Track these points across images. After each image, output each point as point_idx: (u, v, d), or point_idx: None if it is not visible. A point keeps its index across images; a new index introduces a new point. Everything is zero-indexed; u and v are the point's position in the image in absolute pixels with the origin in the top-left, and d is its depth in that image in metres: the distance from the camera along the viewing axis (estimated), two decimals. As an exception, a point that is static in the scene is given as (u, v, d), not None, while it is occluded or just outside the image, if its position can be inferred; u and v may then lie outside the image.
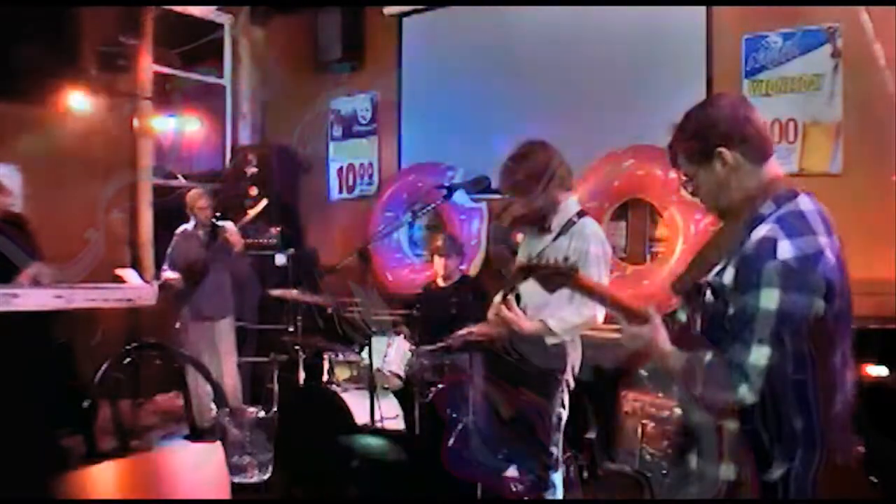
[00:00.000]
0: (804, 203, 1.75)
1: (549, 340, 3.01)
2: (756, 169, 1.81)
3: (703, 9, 4.88)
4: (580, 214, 3.13)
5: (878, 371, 3.37)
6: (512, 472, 4.00)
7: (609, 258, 3.13)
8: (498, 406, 3.28)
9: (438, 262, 4.87)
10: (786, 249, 1.64)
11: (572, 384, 3.17)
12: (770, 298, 1.62)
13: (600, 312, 2.95)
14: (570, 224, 3.06)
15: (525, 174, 3.05)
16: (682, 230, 4.69)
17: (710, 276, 1.76)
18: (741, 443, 1.72)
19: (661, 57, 5.01)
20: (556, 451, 3.15)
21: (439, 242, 4.92)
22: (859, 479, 1.86)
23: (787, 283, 1.62)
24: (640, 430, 4.00)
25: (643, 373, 1.93)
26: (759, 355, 1.62)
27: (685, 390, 1.75)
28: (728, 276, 1.71)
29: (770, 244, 1.65)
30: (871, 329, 3.47)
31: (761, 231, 1.69)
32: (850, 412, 1.76)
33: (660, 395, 3.88)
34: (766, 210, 1.74)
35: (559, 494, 3.22)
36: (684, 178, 1.93)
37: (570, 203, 3.15)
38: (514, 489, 3.65)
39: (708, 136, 1.81)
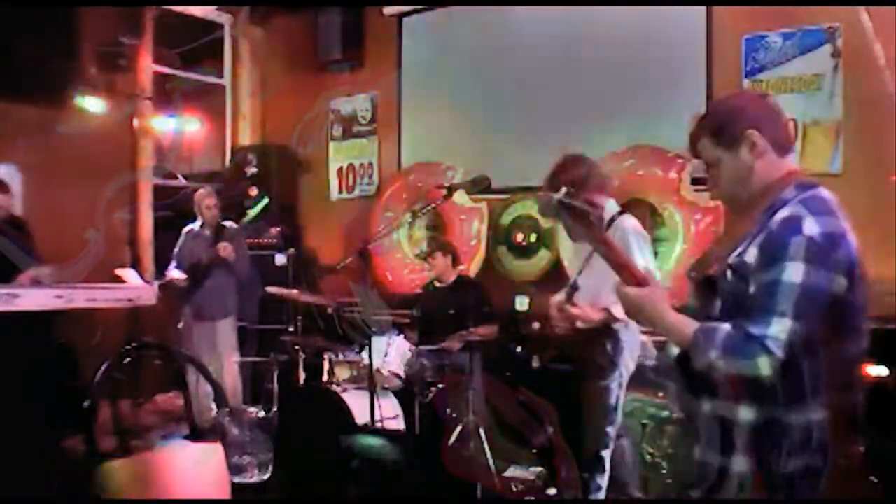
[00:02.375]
0: (825, 192, 1.78)
1: (616, 326, 3.25)
2: (778, 160, 1.81)
3: (703, 9, 4.88)
4: (619, 213, 3.40)
5: (878, 371, 3.37)
6: (512, 471, 4.01)
7: (649, 246, 3.40)
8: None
9: (431, 262, 4.90)
10: (812, 226, 1.64)
11: (631, 367, 3.39)
12: (795, 272, 1.61)
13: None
14: (611, 223, 3.31)
15: (567, 182, 3.16)
16: (682, 230, 4.69)
17: (731, 259, 1.74)
18: (750, 433, 1.70)
19: (661, 57, 5.01)
20: (612, 431, 3.37)
21: (426, 243, 4.96)
22: (860, 479, 1.85)
23: (813, 257, 1.61)
24: (640, 431, 4.00)
25: (649, 363, 1.90)
26: (781, 328, 1.60)
27: (696, 361, 1.68)
28: (751, 255, 1.69)
29: (796, 221, 1.65)
30: (871, 329, 3.48)
31: (785, 211, 1.69)
32: (857, 412, 1.76)
33: (661, 392, 3.90)
34: (788, 195, 1.74)
35: (607, 472, 3.40)
36: (705, 167, 1.90)
37: (610, 205, 3.40)
38: (514, 489, 3.66)
39: (739, 119, 1.81)
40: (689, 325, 1.72)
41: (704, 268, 1.84)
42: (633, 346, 3.38)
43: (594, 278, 3.25)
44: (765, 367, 1.60)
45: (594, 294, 3.24)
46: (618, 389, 3.37)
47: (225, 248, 5.14)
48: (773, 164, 1.80)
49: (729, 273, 1.74)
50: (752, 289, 1.68)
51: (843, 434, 1.71)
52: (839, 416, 1.69)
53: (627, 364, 3.37)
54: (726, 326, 1.66)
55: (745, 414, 1.71)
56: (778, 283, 1.62)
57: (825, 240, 1.64)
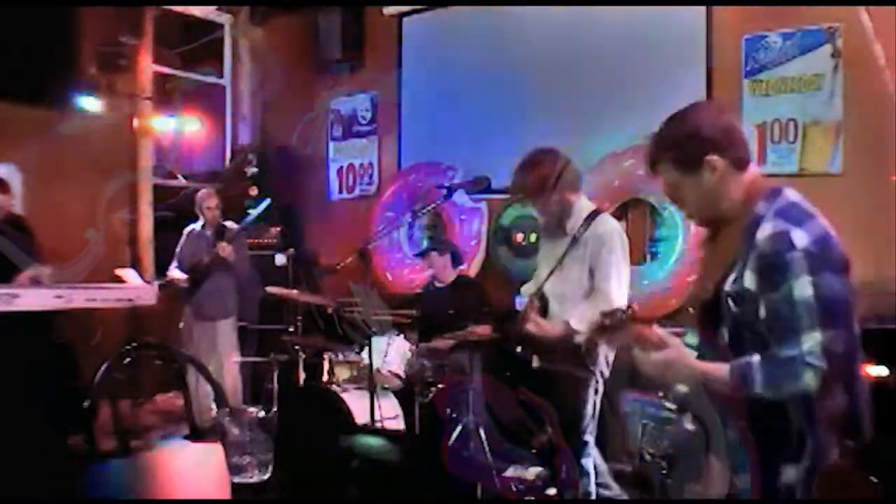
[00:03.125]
0: (791, 194, 1.78)
1: (577, 338, 3.10)
2: (741, 175, 1.81)
3: (703, 9, 4.87)
4: (594, 214, 3.23)
5: (878, 371, 3.37)
6: (512, 471, 4.01)
7: (626, 251, 3.22)
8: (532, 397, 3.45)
9: (426, 261, 4.90)
10: (800, 238, 1.66)
11: (606, 373, 3.28)
12: (803, 287, 1.63)
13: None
14: (585, 225, 3.17)
15: (534, 180, 3.17)
16: (682, 230, 4.70)
17: (727, 287, 1.75)
18: (773, 442, 1.72)
19: (661, 57, 5.01)
20: (591, 438, 3.29)
21: (425, 243, 4.95)
22: (860, 479, 1.86)
23: (814, 268, 1.63)
24: (640, 431, 4.00)
25: (681, 389, 1.88)
26: (814, 342, 1.61)
27: (738, 397, 1.69)
28: (749, 280, 1.70)
29: (784, 237, 1.66)
30: (871, 329, 3.48)
31: (767, 229, 1.69)
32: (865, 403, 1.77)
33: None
34: (760, 210, 1.75)
35: (592, 480, 3.33)
36: (666, 187, 1.90)
37: (583, 205, 3.25)
38: (515, 489, 3.66)
39: (698, 144, 1.79)
40: (721, 370, 1.70)
41: (700, 298, 1.85)
42: (607, 350, 3.26)
43: (563, 284, 3.20)
44: (812, 382, 1.61)
45: (562, 300, 3.18)
46: (594, 397, 3.27)
47: (224, 249, 5.14)
48: (736, 181, 1.80)
49: (730, 302, 1.74)
50: (762, 312, 1.69)
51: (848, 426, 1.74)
52: (851, 408, 1.72)
53: (603, 370, 3.28)
54: (756, 358, 1.66)
55: (782, 427, 1.71)
56: (792, 302, 1.63)
57: (818, 247, 1.66)
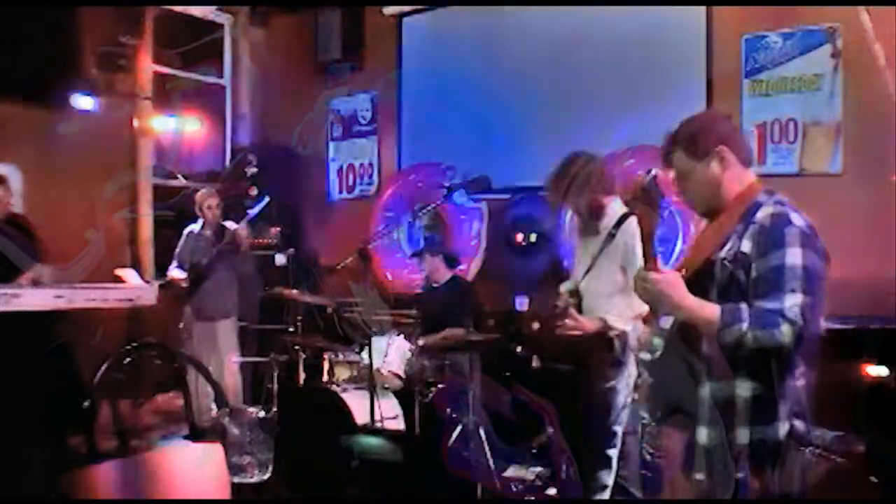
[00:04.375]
0: (784, 197, 2.00)
1: (612, 334, 3.24)
2: (743, 172, 2.04)
3: (703, 9, 4.88)
4: (627, 214, 3.28)
5: (878, 371, 3.37)
6: (512, 471, 4.01)
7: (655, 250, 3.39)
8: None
9: (420, 263, 4.90)
10: (798, 219, 1.90)
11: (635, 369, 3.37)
12: (795, 255, 1.84)
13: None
14: (618, 225, 3.25)
15: (568, 182, 3.34)
16: (682, 230, 4.70)
17: (722, 253, 1.94)
18: (753, 405, 1.87)
19: (662, 57, 5.01)
20: (620, 430, 3.38)
21: (421, 244, 4.96)
22: (859, 479, 1.86)
23: (806, 244, 1.86)
24: (640, 430, 4.00)
25: (644, 357, 1.96)
26: (794, 301, 1.80)
27: (723, 337, 1.83)
28: (746, 246, 1.90)
29: (784, 215, 1.90)
30: (871, 329, 3.48)
31: (768, 209, 1.93)
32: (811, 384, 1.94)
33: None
34: (761, 199, 1.97)
35: (614, 470, 3.41)
36: (677, 178, 2.08)
37: (617, 206, 3.36)
38: (514, 489, 3.66)
39: (710, 135, 2.03)
40: (711, 306, 1.88)
41: (693, 265, 2.01)
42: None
43: (598, 282, 3.29)
44: (788, 335, 1.79)
45: (595, 296, 3.28)
46: (625, 389, 3.37)
47: (240, 234, 5.14)
48: (739, 176, 2.03)
49: (725, 264, 1.93)
50: (754, 274, 1.88)
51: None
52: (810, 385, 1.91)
53: (636, 362, 3.39)
54: (744, 305, 1.84)
55: (747, 388, 1.88)
56: (782, 266, 1.84)
57: (811, 231, 1.90)
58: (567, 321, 3.22)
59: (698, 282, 1.94)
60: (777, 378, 1.87)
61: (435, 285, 4.87)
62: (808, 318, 1.81)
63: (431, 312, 4.69)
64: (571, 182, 3.33)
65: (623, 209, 3.39)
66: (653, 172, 1.99)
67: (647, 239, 1.98)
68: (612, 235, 3.21)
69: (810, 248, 1.86)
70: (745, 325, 1.80)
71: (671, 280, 1.92)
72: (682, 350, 1.98)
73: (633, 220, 3.33)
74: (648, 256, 1.96)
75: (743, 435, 1.88)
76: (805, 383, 1.90)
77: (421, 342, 4.35)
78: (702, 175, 2.03)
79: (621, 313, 3.21)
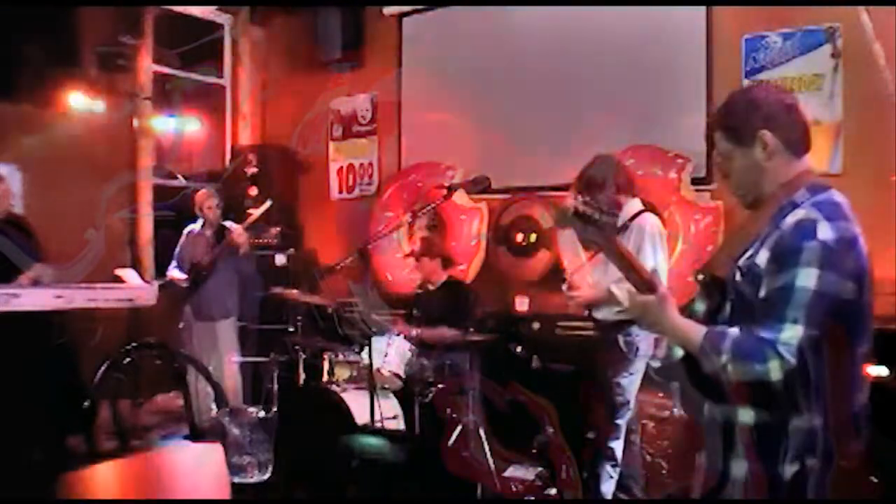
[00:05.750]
0: (837, 195, 1.76)
1: (615, 309, 3.38)
2: (793, 160, 1.79)
3: (703, 9, 4.87)
4: (639, 214, 3.56)
5: (878, 371, 3.37)
6: (512, 471, 4.01)
7: (665, 245, 3.57)
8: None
9: (417, 265, 4.89)
10: (826, 231, 1.63)
11: (641, 365, 3.53)
12: (809, 277, 1.61)
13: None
14: (630, 220, 3.52)
15: (588, 179, 3.56)
16: (682, 230, 4.69)
17: (741, 261, 1.74)
18: (753, 437, 1.71)
19: (661, 57, 5.01)
20: (623, 423, 3.52)
21: (416, 245, 4.96)
22: (860, 479, 1.86)
23: (827, 263, 1.61)
24: (640, 430, 4.00)
25: (653, 364, 1.92)
26: (793, 333, 1.60)
27: (705, 366, 1.68)
28: (762, 258, 1.69)
29: (810, 225, 1.64)
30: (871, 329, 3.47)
31: (798, 214, 1.68)
32: (861, 415, 1.76)
33: (663, 392, 3.90)
34: (799, 198, 1.73)
35: (619, 461, 3.52)
36: (719, 158, 1.89)
37: (632, 205, 3.58)
38: (514, 489, 3.66)
39: (751, 118, 1.79)
40: (696, 330, 1.70)
41: (713, 269, 1.84)
42: (648, 340, 3.44)
43: (605, 276, 3.47)
44: (775, 371, 1.60)
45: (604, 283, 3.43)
46: (630, 385, 3.46)
47: (240, 234, 5.14)
48: (786, 164, 1.79)
49: (738, 275, 1.74)
50: (762, 292, 1.67)
51: (847, 438, 1.71)
52: (844, 420, 1.69)
53: (641, 359, 3.47)
54: (735, 331, 1.66)
55: (750, 417, 1.71)
56: (791, 288, 1.61)
57: (839, 245, 1.63)
58: (573, 292, 3.46)
59: (711, 289, 1.80)
60: (778, 412, 1.67)
61: (431, 287, 4.87)
62: (808, 354, 1.61)
63: (430, 313, 4.69)
64: (590, 179, 3.53)
65: (638, 207, 3.56)
66: (578, 200, 1.79)
67: (617, 259, 1.82)
68: (624, 227, 3.44)
69: (832, 269, 1.61)
70: (724, 357, 1.63)
71: (652, 301, 1.75)
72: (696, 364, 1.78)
73: (645, 217, 3.49)
74: (628, 276, 1.81)
75: (737, 467, 1.73)
76: (823, 423, 1.67)
77: (415, 332, 4.38)
78: (742, 161, 1.81)
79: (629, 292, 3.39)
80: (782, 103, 1.81)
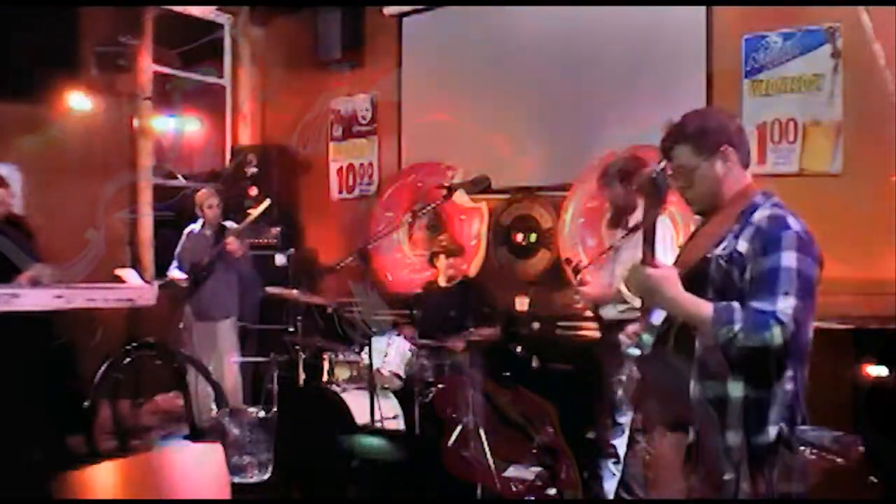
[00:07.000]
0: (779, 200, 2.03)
1: (620, 308, 3.43)
2: (742, 172, 2.07)
3: (703, 9, 4.87)
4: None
5: (878, 371, 3.37)
6: (512, 471, 4.01)
7: (675, 245, 3.57)
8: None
9: (443, 262, 4.87)
10: (794, 223, 1.93)
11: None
12: (791, 259, 1.87)
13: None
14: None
15: (610, 175, 3.77)
16: (682, 230, 4.69)
17: (717, 251, 1.97)
18: (743, 408, 1.90)
19: (661, 57, 5.01)
20: (626, 421, 3.54)
21: (444, 243, 4.93)
22: (859, 478, 1.86)
23: (802, 248, 1.89)
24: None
25: (632, 352, 2.01)
26: (786, 305, 1.82)
27: (716, 336, 1.85)
28: (742, 247, 1.93)
29: (782, 219, 1.93)
30: (871, 329, 3.48)
31: (766, 211, 1.96)
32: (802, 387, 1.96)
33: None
34: (758, 200, 2.01)
35: (621, 459, 3.55)
36: (678, 172, 2.09)
37: None
38: (514, 489, 3.66)
39: (717, 134, 2.05)
40: (704, 304, 1.89)
41: (687, 262, 2.03)
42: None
43: (617, 267, 3.55)
44: (778, 337, 1.80)
45: (614, 280, 3.51)
46: (631, 383, 3.46)
47: (232, 243, 5.14)
48: (739, 176, 2.06)
49: (720, 262, 1.96)
50: (749, 275, 1.91)
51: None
52: (803, 386, 1.94)
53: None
54: (737, 304, 1.86)
55: (738, 389, 1.91)
56: (777, 268, 1.86)
57: (807, 235, 1.92)
58: (583, 288, 3.57)
59: (692, 278, 1.96)
60: (766, 381, 1.89)
61: (444, 285, 4.87)
62: (800, 322, 1.84)
63: (440, 312, 4.69)
64: (611, 174, 3.68)
65: None
66: (662, 165, 2.03)
67: (647, 231, 2.00)
68: (632, 230, 3.48)
69: (805, 253, 1.88)
70: (737, 326, 1.82)
71: (666, 275, 1.93)
72: (673, 347, 2.01)
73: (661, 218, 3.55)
74: (646, 250, 1.97)
75: (732, 437, 1.91)
76: (794, 388, 1.91)
77: (450, 343, 4.36)
78: (705, 173, 2.05)
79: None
80: (736, 125, 2.13)
